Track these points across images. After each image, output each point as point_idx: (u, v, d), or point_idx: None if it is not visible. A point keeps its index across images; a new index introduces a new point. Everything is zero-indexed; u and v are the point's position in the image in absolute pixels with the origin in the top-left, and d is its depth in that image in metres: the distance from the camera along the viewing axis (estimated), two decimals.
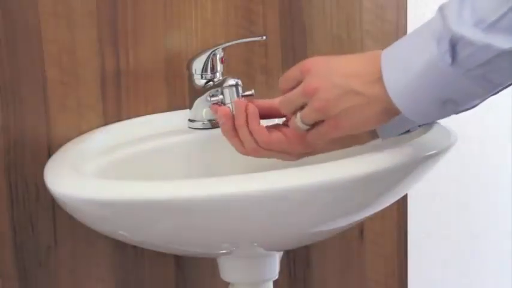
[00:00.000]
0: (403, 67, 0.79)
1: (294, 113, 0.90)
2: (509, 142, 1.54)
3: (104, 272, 1.18)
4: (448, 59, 0.76)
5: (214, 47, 1.11)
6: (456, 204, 1.52)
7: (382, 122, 0.86)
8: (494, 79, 0.77)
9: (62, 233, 1.14)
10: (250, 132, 0.93)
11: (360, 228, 1.34)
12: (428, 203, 1.47)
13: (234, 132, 0.94)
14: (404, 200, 1.36)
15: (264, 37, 1.11)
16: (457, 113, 0.98)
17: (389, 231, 1.36)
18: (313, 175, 0.87)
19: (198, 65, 1.11)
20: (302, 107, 0.89)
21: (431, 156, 0.96)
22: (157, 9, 1.14)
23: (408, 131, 0.97)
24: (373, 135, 0.96)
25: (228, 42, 1.13)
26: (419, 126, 0.98)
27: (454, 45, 0.75)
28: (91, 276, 1.18)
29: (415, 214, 1.41)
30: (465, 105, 0.81)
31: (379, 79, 0.82)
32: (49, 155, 1.08)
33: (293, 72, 0.90)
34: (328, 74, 0.85)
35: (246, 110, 0.93)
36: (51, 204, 1.12)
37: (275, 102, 0.97)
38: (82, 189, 0.90)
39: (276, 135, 0.94)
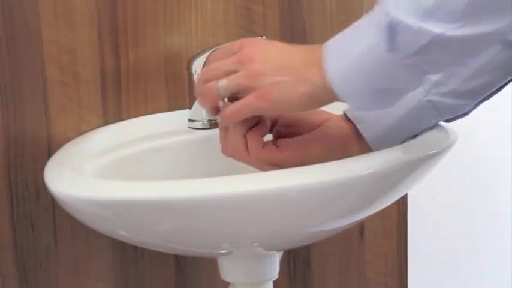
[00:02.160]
0: (343, 52, 0.81)
1: (217, 78, 0.88)
2: (509, 142, 1.54)
3: (104, 272, 1.18)
4: (385, 45, 0.77)
5: (214, 47, 1.11)
6: (456, 204, 1.52)
7: (305, 105, 0.85)
8: (428, 69, 0.79)
9: (62, 233, 1.14)
10: (245, 136, 0.92)
11: (360, 228, 1.33)
12: (428, 203, 1.47)
13: (226, 132, 0.94)
14: (404, 200, 1.36)
15: (264, 37, 1.11)
16: (449, 121, 0.98)
17: (389, 231, 1.36)
18: (312, 175, 0.87)
19: (198, 65, 1.11)
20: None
21: (431, 156, 0.96)
22: (157, 9, 1.14)
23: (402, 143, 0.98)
24: (364, 148, 0.96)
25: (228, 42, 1.13)
26: (415, 136, 0.98)
27: (392, 31, 0.76)
28: (91, 276, 1.18)
29: (415, 214, 1.41)
30: (401, 95, 0.82)
31: (318, 64, 0.82)
32: (49, 155, 1.08)
33: (225, 48, 0.89)
34: (266, 49, 0.86)
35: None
36: (51, 204, 1.12)
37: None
38: (82, 189, 0.90)
39: (269, 146, 0.93)
